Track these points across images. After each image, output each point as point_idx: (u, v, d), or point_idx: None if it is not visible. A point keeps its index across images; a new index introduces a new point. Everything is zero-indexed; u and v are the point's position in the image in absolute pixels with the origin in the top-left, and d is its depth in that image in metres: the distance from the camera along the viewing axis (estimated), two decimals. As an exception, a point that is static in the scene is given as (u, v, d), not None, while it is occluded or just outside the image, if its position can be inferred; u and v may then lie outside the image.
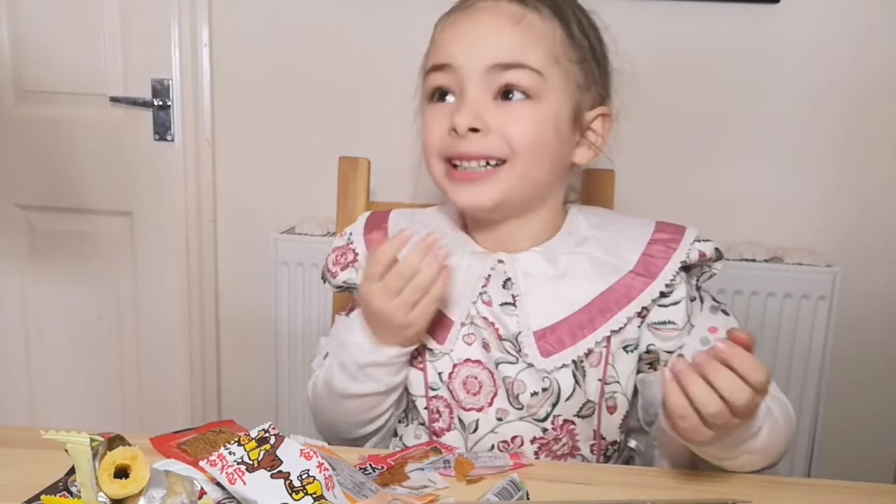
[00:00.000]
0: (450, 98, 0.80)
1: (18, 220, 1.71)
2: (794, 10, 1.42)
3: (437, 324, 0.81)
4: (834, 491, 0.73)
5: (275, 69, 1.58)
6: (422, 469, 0.73)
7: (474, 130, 0.76)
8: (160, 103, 1.60)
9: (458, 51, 0.78)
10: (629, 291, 0.79)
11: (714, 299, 0.86)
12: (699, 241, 0.81)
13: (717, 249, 0.82)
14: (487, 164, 0.78)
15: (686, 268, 0.81)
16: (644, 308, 0.80)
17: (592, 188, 1.11)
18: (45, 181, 1.67)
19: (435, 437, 0.85)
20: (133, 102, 1.61)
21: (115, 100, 1.61)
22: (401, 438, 0.90)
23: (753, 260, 1.45)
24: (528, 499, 0.68)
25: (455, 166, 0.79)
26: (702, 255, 0.80)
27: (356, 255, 0.88)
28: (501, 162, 0.78)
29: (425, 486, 0.69)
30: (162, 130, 1.62)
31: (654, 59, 1.40)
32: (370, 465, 0.73)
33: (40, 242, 1.72)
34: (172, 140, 1.62)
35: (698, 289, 0.85)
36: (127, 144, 1.63)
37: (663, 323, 0.81)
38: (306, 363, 1.57)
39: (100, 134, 1.64)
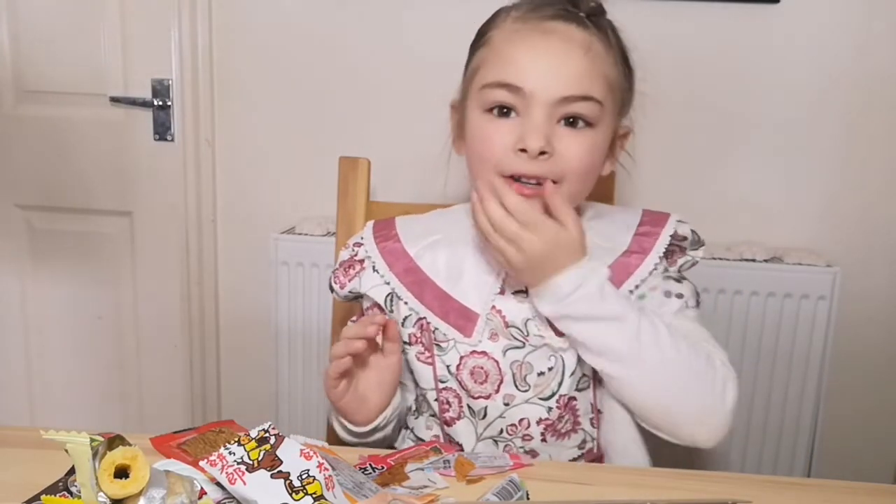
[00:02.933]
0: (511, 114, 0.82)
1: (18, 220, 1.71)
2: (794, 10, 1.42)
3: (462, 318, 0.86)
4: (834, 491, 0.73)
5: (275, 69, 1.58)
6: (422, 469, 0.73)
7: (542, 153, 0.80)
8: (160, 103, 1.60)
9: (530, 75, 0.81)
10: (627, 268, 0.86)
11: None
12: (680, 222, 0.89)
13: (693, 231, 0.89)
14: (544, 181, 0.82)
15: (667, 255, 0.88)
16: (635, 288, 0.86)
17: (593, 186, 1.11)
18: (45, 181, 1.67)
19: (446, 427, 0.89)
20: (133, 102, 1.61)
21: (115, 100, 1.61)
22: (413, 430, 0.94)
23: (753, 260, 1.45)
24: (528, 499, 0.68)
25: (511, 178, 0.83)
26: (676, 234, 0.87)
27: (362, 264, 0.92)
28: (553, 182, 0.82)
29: (425, 486, 0.70)
30: (162, 130, 1.61)
31: (654, 58, 1.40)
32: (370, 465, 0.73)
33: (40, 242, 1.72)
34: (172, 140, 1.62)
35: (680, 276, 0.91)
36: (127, 144, 1.63)
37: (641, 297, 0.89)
38: (306, 363, 1.57)
39: (100, 134, 1.64)
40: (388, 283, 0.90)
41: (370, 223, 0.96)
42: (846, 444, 1.54)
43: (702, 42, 1.44)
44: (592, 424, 0.88)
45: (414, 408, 0.95)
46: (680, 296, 0.87)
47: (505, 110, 0.82)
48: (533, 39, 0.82)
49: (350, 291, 0.92)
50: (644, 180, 1.46)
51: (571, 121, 0.82)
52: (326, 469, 0.61)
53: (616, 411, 0.85)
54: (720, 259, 1.44)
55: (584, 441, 0.88)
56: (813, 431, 1.47)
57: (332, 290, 0.94)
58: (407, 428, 0.95)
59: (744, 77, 1.45)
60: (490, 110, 0.83)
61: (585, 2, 0.84)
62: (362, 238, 0.94)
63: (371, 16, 1.53)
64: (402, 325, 0.90)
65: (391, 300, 0.90)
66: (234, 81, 1.61)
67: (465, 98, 0.88)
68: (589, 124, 0.82)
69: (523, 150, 0.80)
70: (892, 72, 1.42)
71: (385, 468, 0.72)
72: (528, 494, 0.69)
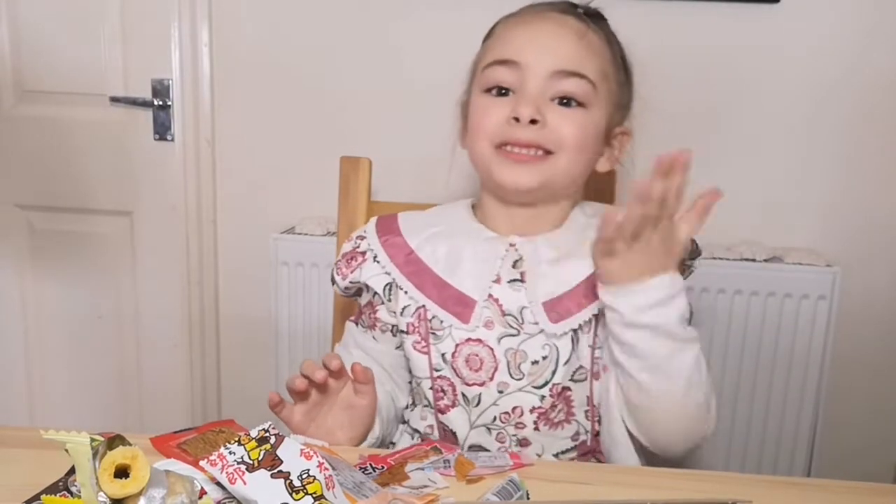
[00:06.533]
0: (509, 94, 0.87)
1: (18, 220, 1.71)
2: (794, 10, 1.42)
3: (460, 305, 0.87)
4: (834, 491, 0.73)
5: (275, 69, 1.58)
6: (422, 469, 0.73)
7: (533, 122, 0.84)
8: (160, 103, 1.60)
9: (527, 50, 0.86)
10: None
11: None
12: None
13: (693, 241, 0.89)
14: (538, 151, 0.86)
15: None
16: None
17: (594, 185, 1.11)
18: (45, 181, 1.67)
19: (440, 415, 0.90)
20: (133, 102, 1.61)
21: (115, 100, 1.61)
22: (409, 423, 0.95)
23: (753, 260, 1.45)
24: (528, 499, 0.68)
25: (504, 148, 0.86)
26: None
27: (364, 256, 0.93)
28: (548, 153, 0.86)
29: (425, 486, 0.70)
30: (162, 130, 1.62)
31: (654, 58, 1.40)
32: (370, 464, 0.73)
33: (40, 242, 1.72)
34: (172, 140, 1.62)
35: None
36: (127, 144, 1.63)
37: None
38: (306, 363, 1.57)
39: (100, 134, 1.64)
40: (388, 273, 0.91)
41: (373, 219, 0.97)
42: (846, 444, 1.54)
43: (702, 42, 1.44)
44: (587, 417, 0.88)
45: (411, 401, 0.96)
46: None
47: (503, 91, 0.87)
48: (531, 22, 0.89)
49: (351, 282, 0.93)
50: (644, 178, 1.46)
51: (565, 102, 0.86)
52: (326, 469, 0.61)
53: (614, 422, 0.85)
54: (720, 259, 1.44)
55: (577, 433, 0.88)
56: (813, 431, 1.47)
57: (333, 281, 0.95)
58: (404, 422, 0.96)
59: (744, 77, 1.45)
60: (489, 91, 0.88)
61: (584, 5, 0.91)
62: (365, 232, 0.95)
63: (371, 16, 1.53)
64: (401, 314, 0.90)
65: (390, 290, 0.91)
66: (234, 81, 1.61)
67: (470, 89, 0.92)
68: (580, 103, 0.86)
69: (516, 120, 0.84)
70: (892, 71, 1.42)
71: (385, 468, 0.72)
72: (528, 494, 0.69)
